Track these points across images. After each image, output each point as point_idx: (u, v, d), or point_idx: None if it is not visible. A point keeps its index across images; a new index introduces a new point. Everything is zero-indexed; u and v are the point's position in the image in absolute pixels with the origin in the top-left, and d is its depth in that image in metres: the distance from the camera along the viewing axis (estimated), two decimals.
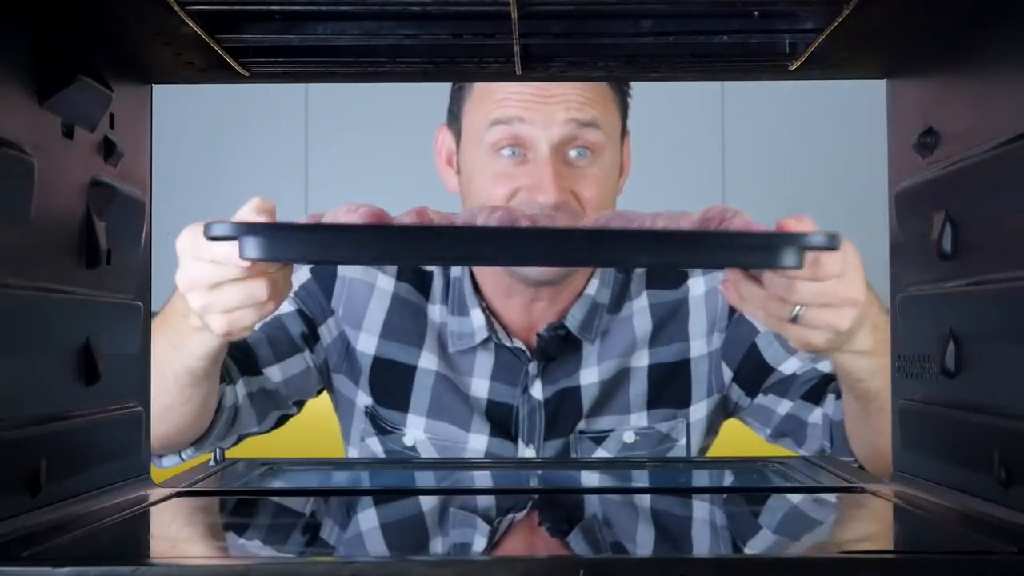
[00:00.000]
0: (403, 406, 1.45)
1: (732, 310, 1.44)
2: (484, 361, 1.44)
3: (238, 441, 1.39)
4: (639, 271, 1.46)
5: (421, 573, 0.62)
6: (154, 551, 0.78)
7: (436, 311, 1.44)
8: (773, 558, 0.69)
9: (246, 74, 0.88)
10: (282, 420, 1.45)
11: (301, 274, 1.44)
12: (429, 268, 1.45)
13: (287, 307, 1.42)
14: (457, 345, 1.42)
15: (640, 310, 1.45)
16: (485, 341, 1.42)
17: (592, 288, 1.43)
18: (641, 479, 1.08)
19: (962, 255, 0.77)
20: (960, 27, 0.77)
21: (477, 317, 1.41)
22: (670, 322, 1.45)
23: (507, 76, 0.88)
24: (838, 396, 1.31)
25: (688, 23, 0.82)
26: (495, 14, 0.77)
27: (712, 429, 1.50)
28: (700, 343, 1.45)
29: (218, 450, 1.05)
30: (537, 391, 1.43)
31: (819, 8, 0.79)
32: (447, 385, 1.44)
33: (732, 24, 0.82)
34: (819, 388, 1.36)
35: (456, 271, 1.43)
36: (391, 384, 1.45)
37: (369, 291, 1.44)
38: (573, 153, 1.34)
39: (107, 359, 0.81)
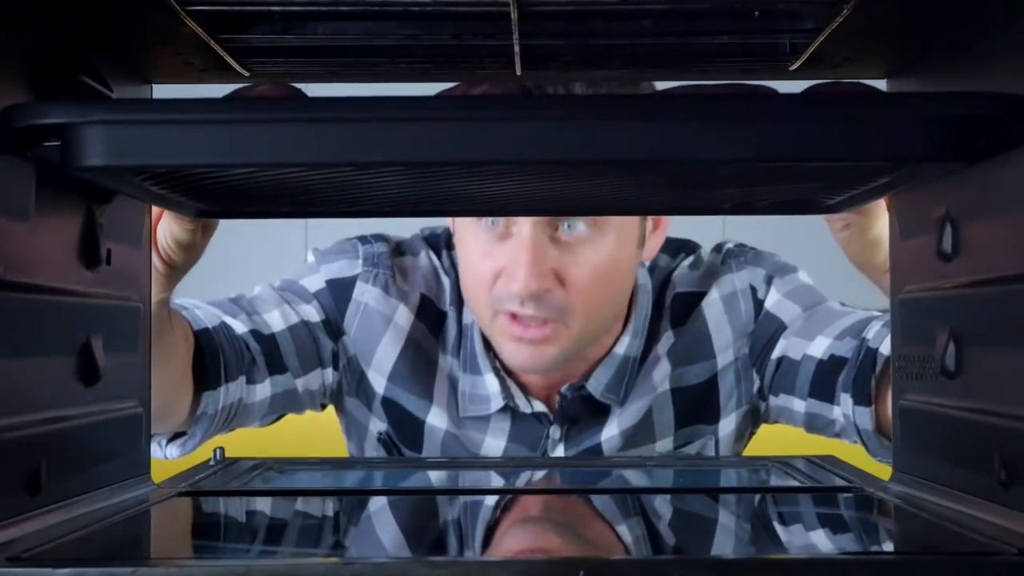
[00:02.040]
0: (416, 449, 1.34)
1: (758, 311, 1.32)
2: (500, 424, 1.31)
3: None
4: (667, 307, 1.31)
5: (421, 573, 0.62)
6: (154, 551, 0.78)
7: (448, 362, 1.32)
8: (773, 558, 0.69)
9: (246, 74, 0.88)
10: (282, 417, 1.36)
11: (315, 279, 1.34)
12: (443, 308, 1.32)
13: (315, 315, 1.31)
14: (470, 411, 1.30)
15: (661, 355, 1.31)
16: (502, 408, 1.29)
17: (622, 345, 1.28)
18: (641, 479, 1.08)
19: (962, 255, 0.77)
20: (961, 27, 0.77)
21: (492, 383, 1.28)
22: (691, 344, 1.32)
23: (507, 76, 0.88)
24: (858, 400, 1.15)
25: (688, 23, 0.82)
26: (495, 14, 0.77)
27: (741, 436, 1.38)
28: (726, 355, 1.33)
29: (218, 450, 1.05)
30: (559, 454, 1.30)
31: (819, 8, 0.79)
32: (458, 444, 1.32)
33: (732, 24, 0.82)
34: (823, 382, 1.22)
35: (468, 318, 1.30)
36: (401, 424, 1.34)
37: (385, 325, 1.31)
38: (564, 228, 1.17)
39: (107, 359, 0.81)
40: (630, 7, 0.79)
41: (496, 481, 1.06)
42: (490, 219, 1.18)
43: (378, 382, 1.33)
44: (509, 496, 0.95)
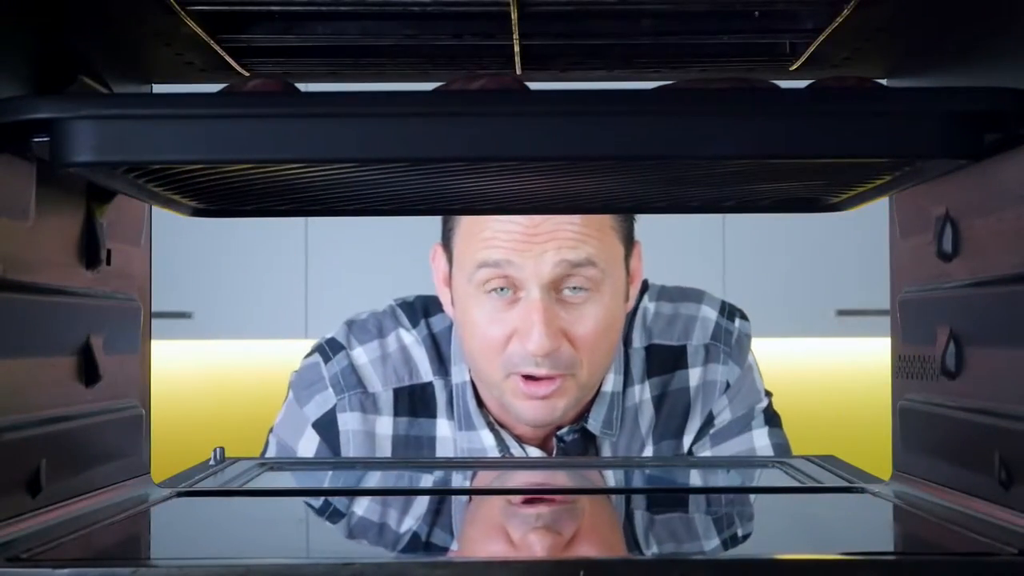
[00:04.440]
0: None
1: (727, 386, 1.43)
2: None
3: None
4: (637, 347, 1.40)
5: (421, 573, 0.62)
6: (154, 551, 0.78)
7: (444, 426, 1.38)
8: (773, 558, 0.69)
9: (246, 74, 0.88)
10: None
11: (307, 438, 1.38)
12: (424, 380, 1.38)
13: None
14: None
15: (644, 403, 1.40)
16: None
17: (609, 383, 1.36)
18: (641, 479, 1.08)
19: (962, 255, 0.77)
20: (960, 27, 0.77)
21: (487, 438, 1.35)
22: (674, 410, 1.41)
23: (507, 76, 0.88)
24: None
25: (688, 23, 0.82)
26: (495, 14, 0.77)
27: None
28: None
29: (218, 450, 1.05)
30: None
31: (819, 8, 0.79)
32: None
33: (732, 24, 0.82)
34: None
35: (458, 378, 1.36)
36: None
37: (370, 442, 1.37)
38: (568, 290, 1.28)
39: (107, 359, 0.81)
40: (630, 7, 0.79)
41: (497, 481, 1.06)
42: (499, 286, 1.27)
43: None
44: (510, 496, 0.95)
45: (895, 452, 0.91)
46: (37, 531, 0.69)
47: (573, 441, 1.36)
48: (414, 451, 1.38)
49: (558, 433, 1.35)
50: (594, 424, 1.35)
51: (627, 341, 1.41)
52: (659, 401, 1.40)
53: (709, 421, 1.41)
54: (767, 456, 1.37)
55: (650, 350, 1.41)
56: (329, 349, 1.41)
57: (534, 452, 1.36)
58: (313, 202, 0.88)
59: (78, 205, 0.79)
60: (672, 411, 1.41)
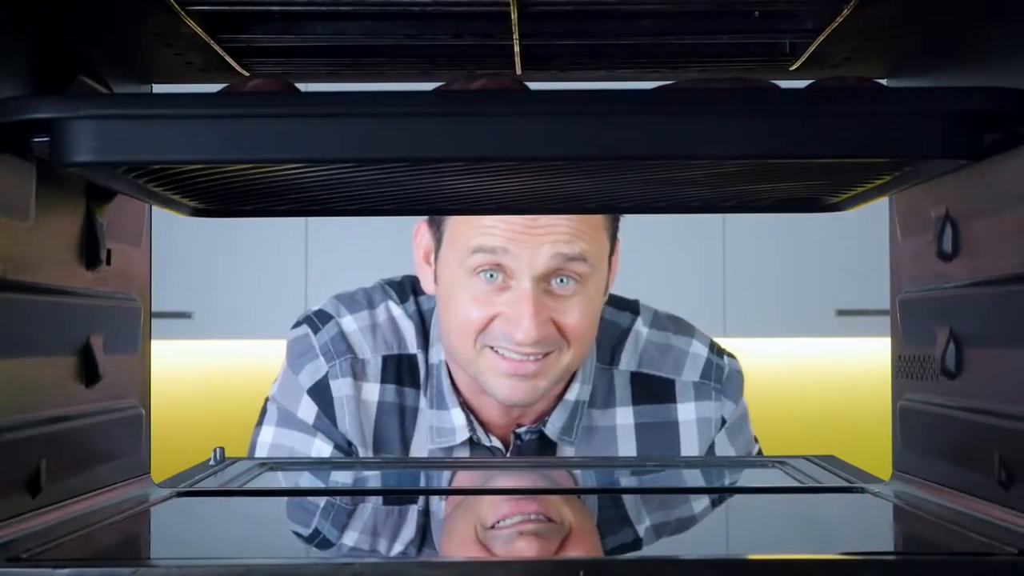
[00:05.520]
0: None
1: (723, 422, 1.44)
2: (460, 456, 1.40)
3: None
4: (623, 369, 1.42)
5: (421, 573, 0.62)
6: (154, 551, 0.78)
7: (421, 400, 1.40)
8: (773, 558, 0.69)
9: (246, 74, 0.88)
10: None
11: (305, 404, 1.39)
12: (411, 352, 1.40)
13: (325, 449, 1.39)
14: (437, 442, 1.38)
15: (625, 428, 1.42)
16: (464, 441, 1.38)
17: (573, 392, 1.38)
18: (641, 480, 1.08)
19: (962, 255, 0.77)
20: (960, 26, 0.77)
21: (458, 416, 1.37)
22: (659, 441, 1.42)
23: (507, 76, 0.88)
24: None
25: (688, 23, 0.82)
26: (495, 14, 0.77)
27: None
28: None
29: (218, 450, 1.05)
30: None
31: (819, 8, 0.79)
32: None
33: (732, 24, 0.82)
34: None
35: (435, 358, 1.39)
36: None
37: (356, 407, 1.39)
38: (556, 282, 1.31)
39: (107, 359, 0.81)
40: (630, 7, 0.79)
41: (497, 481, 1.06)
42: (489, 272, 1.29)
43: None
44: (510, 496, 0.95)
45: (895, 452, 0.91)
46: (37, 531, 0.69)
47: (529, 442, 1.38)
48: (397, 421, 1.40)
49: (517, 431, 1.37)
50: (552, 430, 1.37)
51: (614, 360, 1.42)
52: (641, 430, 1.42)
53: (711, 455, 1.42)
54: (767, 456, 1.37)
55: (637, 377, 1.43)
56: (317, 320, 1.43)
57: (495, 441, 1.38)
58: (313, 202, 0.88)
59: (78, 205, 0.79)
60: (657, 444, 1.42)
